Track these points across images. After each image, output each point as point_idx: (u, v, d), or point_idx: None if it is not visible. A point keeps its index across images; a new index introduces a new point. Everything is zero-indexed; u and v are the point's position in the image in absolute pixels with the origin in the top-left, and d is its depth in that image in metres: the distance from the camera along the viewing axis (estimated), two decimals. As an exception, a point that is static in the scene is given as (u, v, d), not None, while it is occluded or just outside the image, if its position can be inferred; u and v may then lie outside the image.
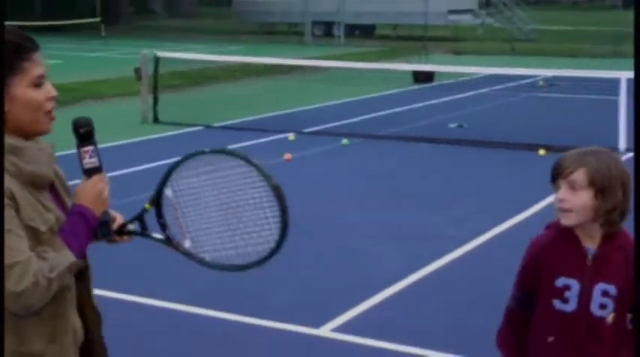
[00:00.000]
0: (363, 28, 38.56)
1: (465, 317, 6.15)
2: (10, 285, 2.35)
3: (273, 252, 2.59)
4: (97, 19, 38.83)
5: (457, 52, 30.58)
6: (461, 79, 21.59)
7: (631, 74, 12.23)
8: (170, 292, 6.57)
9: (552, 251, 3.08)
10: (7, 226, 2.37)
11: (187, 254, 2.71)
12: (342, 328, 5.92)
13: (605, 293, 3.01)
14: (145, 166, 11.02)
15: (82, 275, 2.68)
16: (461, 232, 8.19)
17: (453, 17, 36.46)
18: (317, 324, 5.96)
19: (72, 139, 2.65)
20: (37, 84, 2.49)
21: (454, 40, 35.33)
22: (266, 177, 2.56)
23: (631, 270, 2.97)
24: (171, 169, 2.68)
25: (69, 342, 2.60)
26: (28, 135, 2.52)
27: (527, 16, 38.28)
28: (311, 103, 17.60)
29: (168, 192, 2.69)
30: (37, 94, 2.49)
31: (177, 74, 20.01)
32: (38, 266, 2.38)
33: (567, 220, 3.00)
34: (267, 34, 39.87)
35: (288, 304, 6.41)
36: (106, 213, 2.63)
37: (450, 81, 21.22)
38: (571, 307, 3.04)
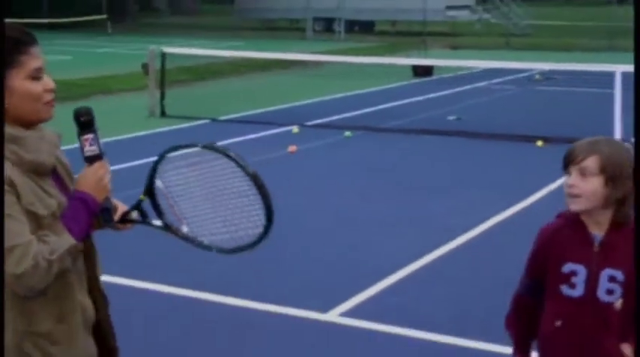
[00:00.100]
0: (362, 24, 38.60)
1: (469, 302, 6.19)
2: (11, 267, 2.41)
3: (262, 235, 2.64)
4: (104, 17, 38.85)
5: (454, 47, 30.59)
6: (459, 72, 21.62)
7: (626, 67, 12.25)
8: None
9: (559, 238, 3.07)
10: (7, 211, 2.42)
11: (186, 238, 2.77)
12: (350, 313, 5.96)
13: (612, 279, 2.99)
14: (153, 158, 11.00)
15: (89, 260, 2.73)
16: (462, 221, 8.22)
17: (450, 13, 36.52)
18: (325, 309, 6.00)
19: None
20: (35, 77, 2.54)
21: (452, 36, 35.34)
22: (242, 167, 2.60)
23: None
24: (156, 162, 2.75)
25: (77, 322, 2.65)
26: (29, 124, 2.57)
27: (523, 11, 38.32)
28: (313, 97, 17.63)
29: (158, 183, 2.75)
30: (35, 86, 2.54)
31: (184, 69, 20.03)
32: (38, 249, 2.43)
33: (575, 206, 2.98)
34: (269, 30, 39.87)
35: (297, 290, 6.45)
36: (107, 200, 2.68)
37: (449, 75, 21.25)
38: (578, 292, 3.02)
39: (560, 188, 9.67)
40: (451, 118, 14.70)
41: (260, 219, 2.63)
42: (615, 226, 2.99)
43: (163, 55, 15.59)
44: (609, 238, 3.00)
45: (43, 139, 2.59)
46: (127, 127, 13.44)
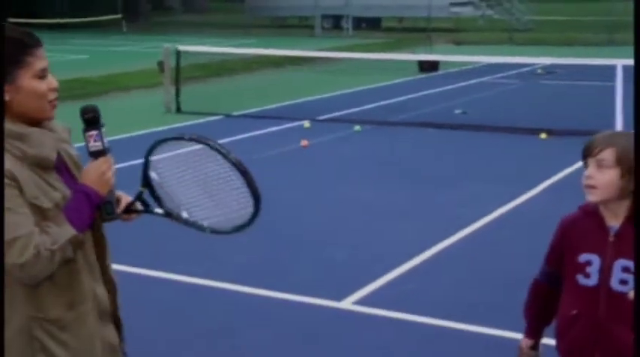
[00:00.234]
0: (369, 20, 38.61)
1: (478, 289, 6.24)
2: (14, 257, 2.50)
3: (254, 215, 2.76)
4: (119, 16, 38.93)
5: (458, 43, 30.55)
6: (464, 67, 21.63)
7: (626, 61, 12.26)
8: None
9: (578, 228, 3.09)
10: (7, 205, 2.52)
11: (188, 223, 2.87)
12: (363, 301, 6.01)
13: (625, 269, 2.97)
14: (169, 153, 11.08)
15: (100, 250, 2.82)
16: (470, 211, 8.27)
17: (454, 9, 36.50)
18: (339, 297, 6.06)
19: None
20: (41, 76, 2.65)
21: (456, 31, 35.29)
22: (224, 155, 2.72)
23: None
24: (147, 154, 2.86)
25: (88, 309, 2.73)
26: (33, 121, 2.66)
27: (525, 7, 38.25)
28: (323, 93, 17.67)
29: (153, 174, 2.87)
30: (41, 85, 2.65)
31: (198, 66, 20.07)
32: (40, 240, 2.53)
33: (592, 197, 2.99)
34: (279, 27, 39.89)
35: (312, 279, 6.51)
36: (110, 193, 2.77)
37: (454, 69, 21.25)
38: (592, 281, 3.03)
39: (563, 179, 9.72)
40: (457, 111, 14.73)
41: (248, 200, 2.73)
42: (631, 218, 2.97)
43: (178, 53, 15.65)
44: (624, 229, 2.99)
45: (46, 135, 2.68)
46: (144, 123, 13.47)
